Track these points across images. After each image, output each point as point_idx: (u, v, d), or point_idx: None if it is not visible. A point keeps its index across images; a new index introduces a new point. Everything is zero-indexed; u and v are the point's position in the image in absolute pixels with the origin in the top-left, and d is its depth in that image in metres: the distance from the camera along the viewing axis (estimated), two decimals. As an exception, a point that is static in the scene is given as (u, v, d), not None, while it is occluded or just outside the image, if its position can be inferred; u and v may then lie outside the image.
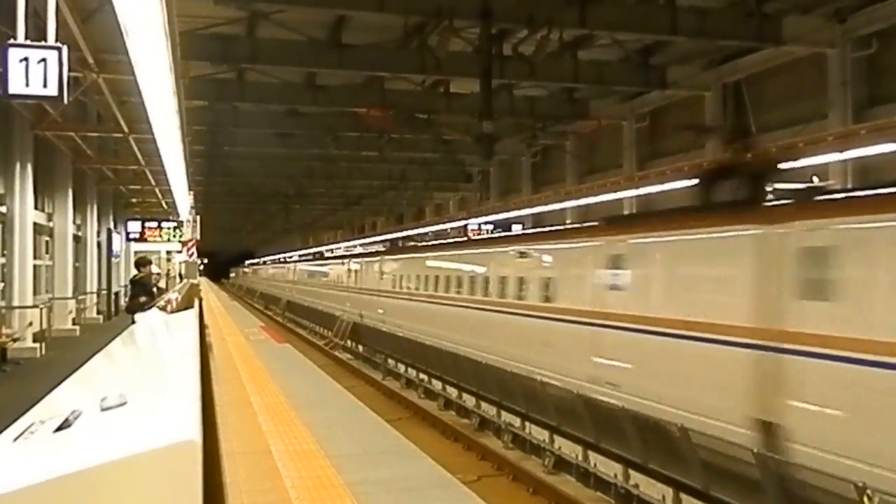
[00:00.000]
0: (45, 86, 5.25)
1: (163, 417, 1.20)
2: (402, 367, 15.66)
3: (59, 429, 1.21)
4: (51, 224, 18.39)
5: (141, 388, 1.64)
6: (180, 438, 1.01)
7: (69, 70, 5.54)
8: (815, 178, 8.59)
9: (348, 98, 16.88)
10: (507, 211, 21.47)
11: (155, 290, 10.35)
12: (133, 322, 9.03)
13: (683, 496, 6.56)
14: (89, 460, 1.00)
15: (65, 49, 5.35)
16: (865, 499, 4.74)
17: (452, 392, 12.48)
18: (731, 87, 15.99)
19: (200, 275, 35.74)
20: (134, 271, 11.86)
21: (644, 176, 15.75)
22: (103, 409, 1.28)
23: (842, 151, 10.32)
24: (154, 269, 11.21)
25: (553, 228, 13.08)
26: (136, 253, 23.60)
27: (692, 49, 14.59)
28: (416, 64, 13.68)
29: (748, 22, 12.59)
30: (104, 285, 24.13)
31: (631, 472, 7.28)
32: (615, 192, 16.33)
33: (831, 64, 13.21)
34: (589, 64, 15.20)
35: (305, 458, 5.62)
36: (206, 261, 55.29)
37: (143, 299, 9.40)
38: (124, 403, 1.28)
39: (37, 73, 5.23)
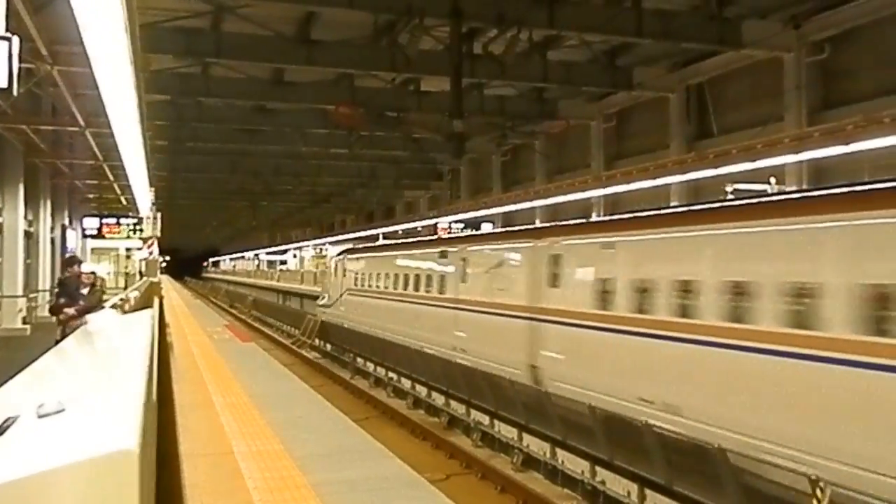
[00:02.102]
0: (-7, 77, 5.02)
1: (101, 425, 1.15)
2: (371, 366, 15.66)
3: (-8, 437, 1.14)
4: (0, 220, 17.73)
5: (83, 393, 1.57)
6: (117, 447, 0.96)
7: (20, 61, 5.31)
8: (773, 180, 8.90)
9: (317, 95, 16.68)
10: (470, 210, 21.61)
11: (85, 291, 8.89)
12: (58, 325, 8.29)
13: (648, 492, 6.70)
14: (20, 470, 0.95)
15: (16, 40, 5.12)
16: (818, 491, 4.93)
17: (422, 391, 12.49)
18: (694, 89, 16.32)
19: (162, 272, 34.90)
20: (92, 268, 11.14)
21: (611, 176, 15.97)
22: (40, 416, 1.22)
23: (797, 153, 10.64)
24: (86, 268, 9.76)
25: (426, 238, 19.16)
26: (93, 250, 22.87)
27: (657, 51, 14.83)
28: (387, 61, 13.60)
29: (710, 25, 12.87)
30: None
31: (598, 468, 7.39)
32: (583, 191, 16.54)
33: (787, 68, 13.57)
34: (558, 64, 15.33)
35: (269, 458, 5.53)
36: (168, 258, 54.13)
37: (62, 301, 8.61)
38: (62, 410, 1.22)
39: (-15, 63, 4.99)
